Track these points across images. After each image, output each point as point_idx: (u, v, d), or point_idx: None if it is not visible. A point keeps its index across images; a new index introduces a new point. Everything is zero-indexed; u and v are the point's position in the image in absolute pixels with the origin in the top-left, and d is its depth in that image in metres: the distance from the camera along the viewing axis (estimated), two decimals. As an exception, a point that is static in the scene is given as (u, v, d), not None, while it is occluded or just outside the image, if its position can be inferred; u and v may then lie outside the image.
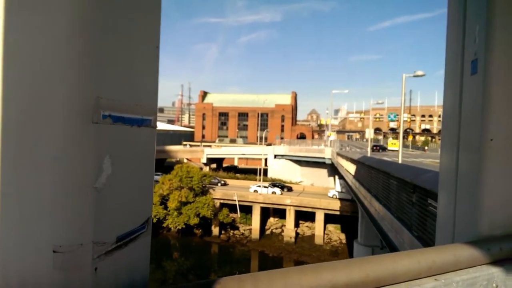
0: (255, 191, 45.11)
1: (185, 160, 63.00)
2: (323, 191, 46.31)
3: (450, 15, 1.88)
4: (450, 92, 1.84)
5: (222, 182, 50.28)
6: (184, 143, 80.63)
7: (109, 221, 0.81)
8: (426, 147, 64.92)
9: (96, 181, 0.77)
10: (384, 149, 57.22)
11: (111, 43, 0.80)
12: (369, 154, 34.71)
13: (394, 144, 52.98)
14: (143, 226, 0.92)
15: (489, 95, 1.50)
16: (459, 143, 1.70)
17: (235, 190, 45.43)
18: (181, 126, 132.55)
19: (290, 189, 47.77)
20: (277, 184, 48.29)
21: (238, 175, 57.33)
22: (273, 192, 44.91)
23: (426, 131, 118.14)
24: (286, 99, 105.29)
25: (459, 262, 1.29)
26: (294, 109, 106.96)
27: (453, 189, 1.72)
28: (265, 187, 45.88)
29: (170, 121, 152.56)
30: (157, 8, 0.94)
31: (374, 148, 52.66)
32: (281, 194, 44.92)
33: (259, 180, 48.44)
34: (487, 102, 1.51)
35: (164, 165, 57.21)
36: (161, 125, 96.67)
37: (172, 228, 40.84)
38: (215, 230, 42.47)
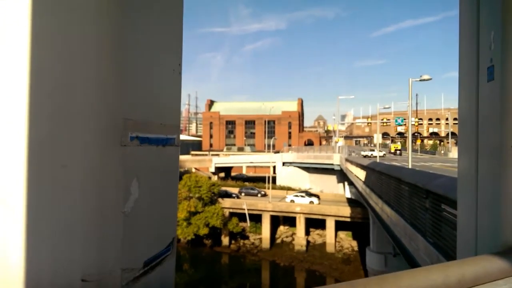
0: (292, 201, 44.05)
1: (194, 170, 63.14)
2: (340, 198, 45.85)
3: (462, 21, 1.87)
4: (465, 98, 1.81)
5: (263, 192, 49.03)
6: (192, 152, 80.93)
7: (136, 246, 0.79)
8: (441, 151, 65.03)
9: (124, 206, 0.75)
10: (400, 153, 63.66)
11: (136, 64, 0.79)
12: (378, 159, 34.41)
13: (395, 147, 65.25)
14: (168, 248, 0.91)
15: (507, 102, 1.48)
16: (478, 149, 1.67)
17: (278, 201, 44.60)
18: (189, 135, 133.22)
19: (318, 197, 46.67)
20: (306, 193, 47.62)
21: (246, 183, 57.17)
22: (311, 202, 43.54)
23: (434, 135, 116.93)
24: (293, 106, 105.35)
25: (487, 275, 1.26)
26: (301, 115, 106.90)
27: (474, 197, 1.69)
28: (302, 196, 44.80)
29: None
30: (179, 25, 0.94)
31: (396, 152, 62.87)
32: (319, 203, 43.48)
33: (268, 188, 48.21)
34: (506, 108, 1.48)
35: (173, 176, 57.23)
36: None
37: (181, 239, 40.73)
38: (225, 240, 42.26)
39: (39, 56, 0.70)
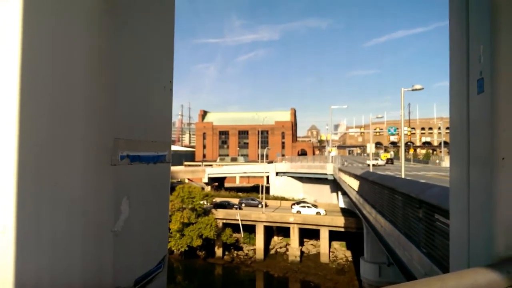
0: (298, 211, 43.39)
1: (187, 180, 62.74)
2: (334, 207, 45.72)
3: (452, 34, 1.90)
4: (456, 109, 1.84)
5: (263, 203, 48.03)
6: (185, 163, 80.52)
7: (127, 265, 0.78)
8: (436, 161, 65.99)
9: (115, 225, 0.75)
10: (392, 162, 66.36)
11: (128, 84, 0.79)
12: (371, 169, 34.57)
13: (385, 156, 65.90)
14: (159, 266, 0.90)
15: (497, 114, 1.50)
16: (469, 161, 1.68)
17: (284, 212, 43.92)
18: (182, 146, 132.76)
19: (316, 207, 46.38)
20: (312, 204, 47.14)
21: (240, 193, 56.92)
22: (318, 213, 42.78)
23: (427, 144, 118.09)
24: (286, 116, 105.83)
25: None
26: (294, 125, 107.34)
27: (465, 207, 1.69)
28: (308, 207, 44.22)
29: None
30: (170, 42, 0.93)
31: (388, 161, 63.99)
32: (325, 214, 42.82)
33: (261, 198, 48.00)
34: (496, 120, 1.50)
35: (166, 186, 56.79)
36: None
37: (175, 250, 40.22)
38: (219, 251, 41.80)
39: (29, 77, 0.69)
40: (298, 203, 47.33)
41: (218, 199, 48.09)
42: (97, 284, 0.72)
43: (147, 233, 0.86)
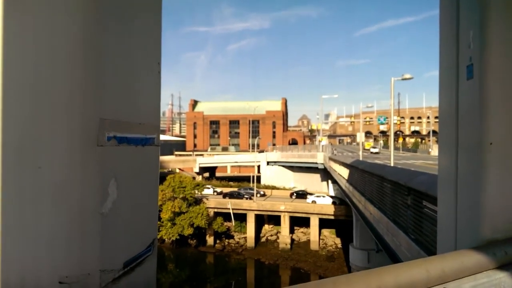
0: (313, 201, 42.86)
1: (178, 170, 62.59)
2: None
3: (442, 21, 1.90)
4: (445, 96, 1.85)
5: (262, 192, 47.70)
6: (176, 153, 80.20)
7: (115, 247, 0.79)
8: (429, 149, 67.10)
9: (102, 207, 0.74)
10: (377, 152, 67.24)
11: (114, 63, 0.78)
12: (361, 158, 34.92)
13: (368, 144, 67.50)
14: (149, 249, 0.89)
15: (486, 100, 1.51)
16: (458, 147, 1.70)
17: (275, 200, 43.86)
18: (172, 135, 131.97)
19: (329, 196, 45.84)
20: (301, 192, 47.35)
21: (231, 183, 57.07)
22: (334, 202, 41.76)
23: (415, 133, 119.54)
24: (277, 106, 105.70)
25: (467, 269, 1.28)
26: (285, 115, 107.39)
27: (453, 194, 1.72)
28: (323, 196, 43.65)
29: (161, 131, 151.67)
30: (157, 22, 0.92)
31: (371, 151, 65.48)
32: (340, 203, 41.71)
33: (253, 187, 48.26)
34: (485, 106, 1.51)
35: (156, 176, 56.59)
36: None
37: (166, 239, 40.34)
38: (210, 240, 42.08)
39: (10, 57, 0.69)
40: (298, 193, 47.28)
41: (225, 190, 48.83)
42: (82, 266, 0.72)
43: (136, 216, 0.85)
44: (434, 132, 75.02)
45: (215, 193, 48.77)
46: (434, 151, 55.86)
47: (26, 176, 0.70)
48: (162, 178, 46.15)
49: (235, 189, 49.81)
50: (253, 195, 45.56)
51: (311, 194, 46.32)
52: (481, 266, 1.34)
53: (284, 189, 52.30)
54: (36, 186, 0.70)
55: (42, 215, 0.70)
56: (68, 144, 0.71)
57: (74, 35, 0.71)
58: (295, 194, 47.25)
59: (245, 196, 46.06)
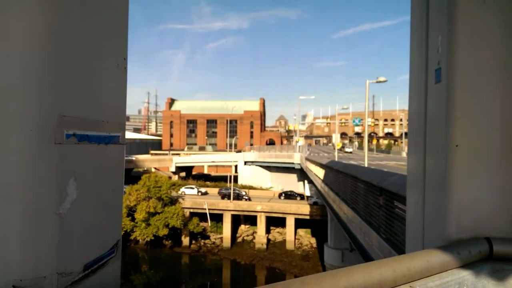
0: (315, 203, 41.56)
1: (153, 169, 61.48)
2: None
3: (413, 25, 1.94)
4: (415, 99, 1.89)
5: (246, 197, 45.78)
6: (152, 152, 78.77)
7: (75, 249, 0.75)
8: (402, 151, 70.98)
9: (59, 207, 0.71)
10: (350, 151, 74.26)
11: (74, 59, 0.74)
12: (336, 158, 35.53)
13: (339, 144, 69.02)
14: (112, 251, 0.88)
15: (453, 103, 1.55)
16: (426, 148, 1.74)
17: (258, 201, 43.25)
18: (148, 134, 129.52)
19: (303, 197, 46.01)
20: (289, 193, 47.05)
21: (208, 183, 56.65)
22: (315, 203, 41.17)
23: (389, 135, 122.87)
24: (255, 106, 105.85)
25: (432, 268, 1.31)
26: (263, 115, 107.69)
27: (421, 194, 1.76)
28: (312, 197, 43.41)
29: (137, 130, 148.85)
30: (124, 16, 0.88)
31: (346, 151, 72.25)
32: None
33: (230, 187, 48.05)
34: (451, 109, 1.55)
35: (131, 175, 55.46)
36: (127, 134, 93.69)
37: (140, 240, 39.51)
38: (185, 240, 41.58)
39: None
40: (287, 193, 47.25)
41: (210, 190, 48.15)
42: (37, 269, 0.68)
43: (98, 216, 0.82)
44: (406, 134, 77.24)
45: (200, 193, 47.85)
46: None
47: None
48: (137, 177, 45.21)
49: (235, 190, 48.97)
50: (239, 197, 45.10)
51: (300, 194, 46.52)
52: (447, 265, 1.37)
53: (261, 189, 52.43)
54: None
55: None
56: (23, 142, 0.67)
57: (32, 29, 0.68)
58: (283, 195, 47.19)
59: (244, 197, 45.29)
